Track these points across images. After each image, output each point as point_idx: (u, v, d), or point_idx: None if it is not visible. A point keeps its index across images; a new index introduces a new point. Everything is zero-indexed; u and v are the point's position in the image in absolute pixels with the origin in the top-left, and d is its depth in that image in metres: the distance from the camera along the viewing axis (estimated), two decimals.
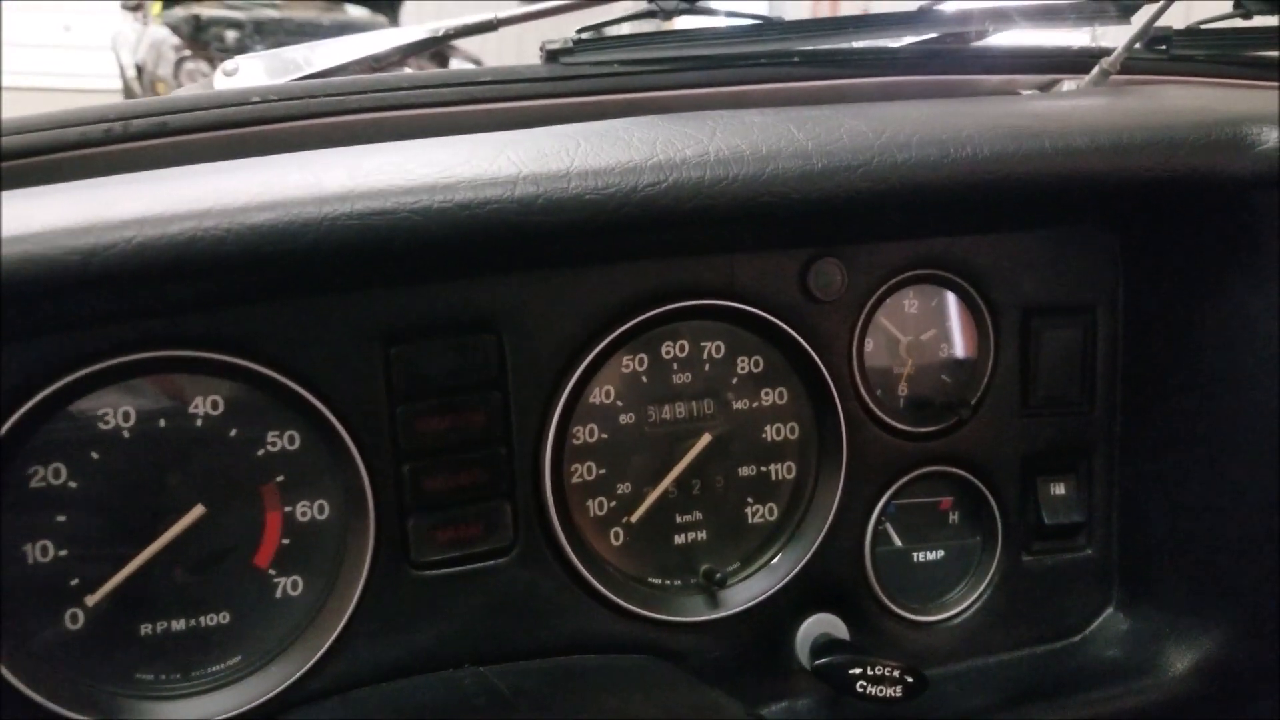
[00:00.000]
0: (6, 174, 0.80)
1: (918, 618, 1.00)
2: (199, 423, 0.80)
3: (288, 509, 0.83)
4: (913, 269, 0.96)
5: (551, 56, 1.03)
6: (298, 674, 0.81)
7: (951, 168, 0.81)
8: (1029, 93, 1.10)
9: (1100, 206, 0.99)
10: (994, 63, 1.13)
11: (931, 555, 1.01)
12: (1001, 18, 1.11)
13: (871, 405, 0.96)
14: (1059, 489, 1.03)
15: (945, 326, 1.00)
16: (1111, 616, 1.05)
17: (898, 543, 1.00)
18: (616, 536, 0.92)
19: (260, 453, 0.82)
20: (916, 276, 0.97)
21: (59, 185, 0.74)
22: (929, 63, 1.10)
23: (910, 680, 0.89)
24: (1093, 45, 1.17)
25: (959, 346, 1.00)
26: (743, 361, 0.94)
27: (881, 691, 0.88)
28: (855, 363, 0.95)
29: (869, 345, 0.97)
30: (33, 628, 0.77)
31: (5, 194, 0.73)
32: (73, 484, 0.77)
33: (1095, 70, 1.07)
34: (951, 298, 0.99)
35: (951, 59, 1.12)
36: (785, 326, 0.91)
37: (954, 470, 0.99)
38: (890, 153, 0.80)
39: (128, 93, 5.32)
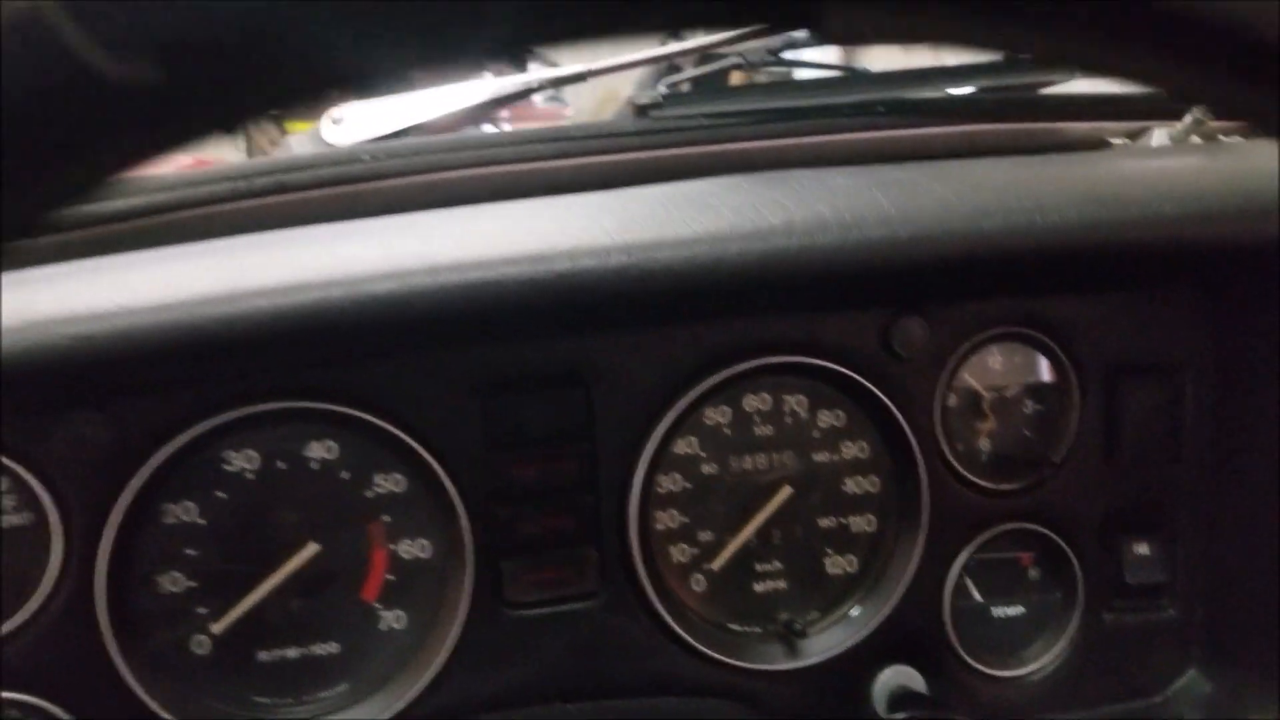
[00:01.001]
0: (142, 230, 0.88)
1: (996, 672, 1.01)
2: (314, 466, 0.87)
3: (393, 546, 0.89)
4: (997, 326, 0.97)
5: (640, 111, 1.07)
6: (401, 705, 0.87)
7: (1038, 235, 0.82)
8: (1118, 143, 1.10)
9: (1192, 269, 0.99)
10: (1081, 110, 1.13)
11: (1011, 611, 1.02)
12: None
13: (953, 461, 0.97)
14: (1142, 548, 1.02)
15: (1029, 383, 1.00)
16: (1193, 678, 1.04)
17: (977, 597, 1.01)
18: (698, 583, 0.96)
19: (369, 494, 0.88)
20: (1001, 334, 0.98)
21: (195, 246, 0.81)
22: (1014, 110, 1.11)
23: None
24: None
25: (1043, 403, 1.01)
26: (824, 415, 0.97)
27: None
28: (937, 418, 0.96)
29: (951, 400, 0.98)
30: (164, 653, 0.85)
31: (146, 254, 0.81)
32: (201, 521, 0.85)
33: (1188, 119, 1.07)
34: (1036, 354, 1.00)
35: (1036, 106, 1.12)
36: (866, 383, 0.94)
37: (1035, 527, 1.00)
38: (976, 220, 0.82)
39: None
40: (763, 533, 0.96)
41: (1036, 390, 1.01)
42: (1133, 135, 1.11)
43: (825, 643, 0.96)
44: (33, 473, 0.79)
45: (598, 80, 1.16)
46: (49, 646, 0.81)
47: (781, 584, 0.97)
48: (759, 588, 0.97)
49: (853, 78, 1.14)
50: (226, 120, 0.30)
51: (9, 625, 0.80)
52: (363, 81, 0.29)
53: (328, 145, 1.02)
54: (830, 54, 1.92)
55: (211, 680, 0.86)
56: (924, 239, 0.80)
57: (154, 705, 0.81)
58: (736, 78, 1.39)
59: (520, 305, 0.77)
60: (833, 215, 0.81)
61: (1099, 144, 1.10)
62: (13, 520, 0.81)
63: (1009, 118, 1.10)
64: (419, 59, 0.28)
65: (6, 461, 0.79)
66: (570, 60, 1.20)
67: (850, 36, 0.30)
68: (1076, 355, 1.00)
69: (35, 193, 0.29)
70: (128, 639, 0.82)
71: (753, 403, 0.95)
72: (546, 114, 2.49)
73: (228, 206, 0.92)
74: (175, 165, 1.09)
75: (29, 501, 0.81)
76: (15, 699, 0.81)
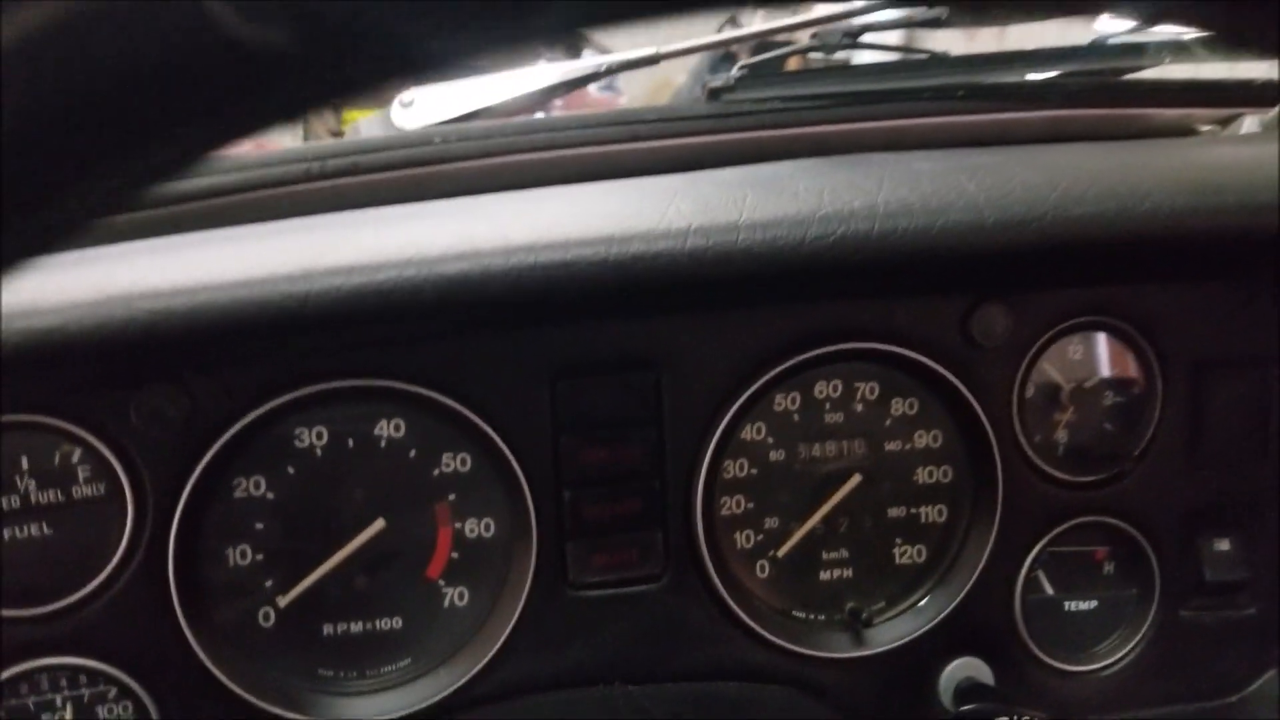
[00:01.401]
0: (216, 210, 0.88)
1: (1066, 667, 0.99)
2: (383, 444, 0.86)
3: (458, 525, 0.89)
4: (1080, 316, 0.94)
5: (714, 94, 1.05)
6: (463, 680, 0.87)
7: (1129, 223, 0.79)
8: (1208, 129, 1.06)
9: None
10: (1170, 96, 1.08)
11: (1084, 605, 1.00)
12: (1181, 50, 1.07)
13: (1029, 452, 0.95)
14: (1223, 545, 0.99)
15: (1111, 375, 0.97)
16: (1273, 678, 1.01)
17: (1049, 591, 0.99)
18: (763, 569, 0.94)
19: (435, 473, 0.88)
20: (1084, 324, 0.95)
21: (269, 225, 0.81)
22: (1100, 96, 1.07)
23: None
24: (1278, 78, 1.11)
25: (1125, 396, 0.97)
26: (897, 403, 0.94)
27: None
28: (1015, 409, 0.94)
29: (1029, 391, 0.95)
30: (232, 624, 0.86)
31: (222, 232, 0.81)
32: (270, 495, 0.85)
33: None
34: (1119, 346, 0.97)
35: (1122, 91, 1.08)
36: (944, 371, 0.91)
37: (1112, 521, 0.97)
38: (1065, 207, 0.79)
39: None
40: (830, 521, 0.94)
41: (1118, 382, 0.98)
42: (1223, 122, 1.07)
43: (892, 632, 0.94)
44: (107, 445, 0.80)
45: (650, 68, 1.14)
46: (119, 615, 0.82)
47: (848, 572, 0.95)
48: (825, 576, 0.95)
49: (930, 61, 1.10)
50: (326, 97, 0.29)
51: (80, 593, 0.81)
52: (441, 65, 0.28)
53: (397, 129, 1.01)
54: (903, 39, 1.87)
55: (277, 652, 0.86)
56: (1012, 225, 0.78)
57: (220, 674, 0.82)
58: (794, 64, 1.36)
59: (593, 288, 0.76)
60: (917, 200, 0.78)
61: (1188, 131, 1.06)
62: (86, 491, 0.82)
63: (1094, 103, 1.06)
64: (495, 41, 0.28)
65: (82, 434, 0.80)
66: (629, 46, 1.18)
67: None
68: (1161, 347, 0.96)
69: (157, 155, 0.28)
70: (196, 609, 0.83)
71: (824, 390, 0.93)
72: (601, 102, 2.47)
73: (301, 187, 0.91)
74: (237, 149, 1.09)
75: (103, 473, 0.82)
76: (85, 665, 0.82)
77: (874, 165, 0.84)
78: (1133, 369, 0.98)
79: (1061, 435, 0.97)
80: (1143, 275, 0.94)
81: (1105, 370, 0.98)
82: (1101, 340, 0.97)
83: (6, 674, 0.81)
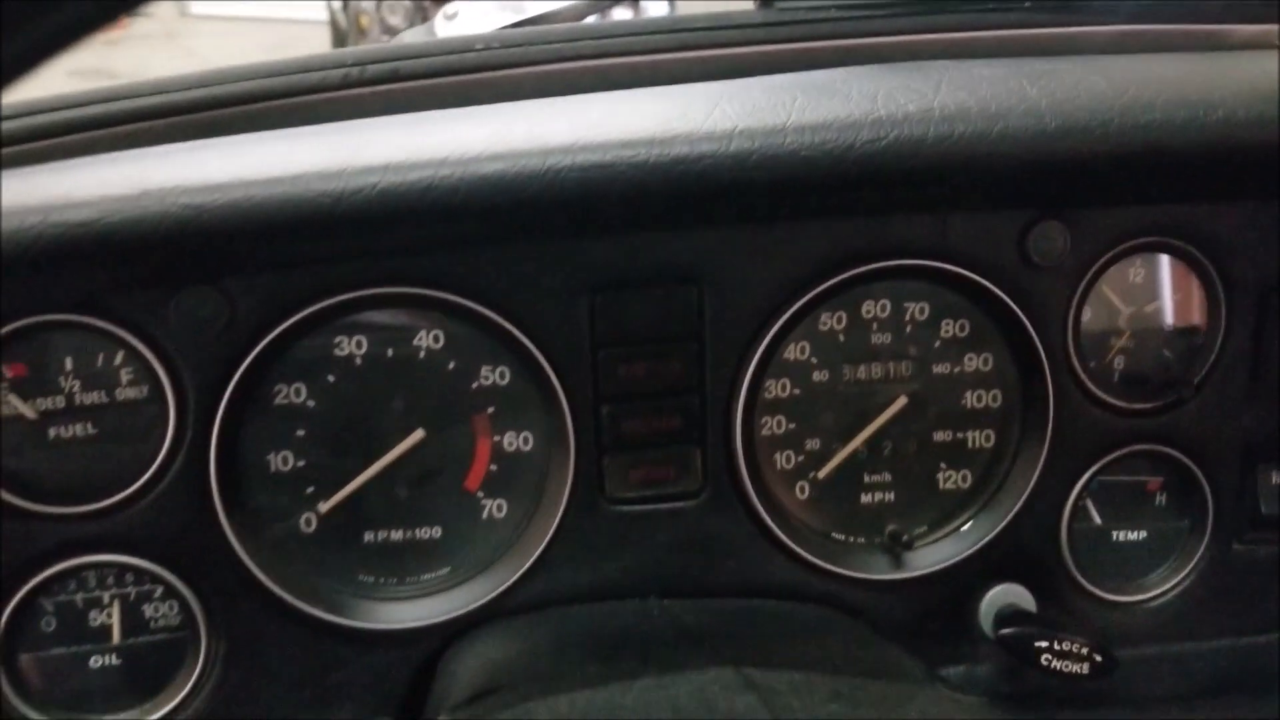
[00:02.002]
0: (255, 114, 0.87)
1: (1112, 597, 0.97)
2: (422, 354, 0.86)
3: (496, 438, 0.89)
4: (1143, 236, 0.91)
5: (766, 0, 1.01)
6: (499, 589, 0.88)
7: (1200, 133, 0.75)
8: None
9: None
10: (1251, 11, 1.03)
11: (1133, 535, 0.97)
12: None
13: (1084, 378, 0.92)
14: None
15: (1173, 299, 0.94)
16: None
17: (1097, 520, 0.97)
18: (802, 490, 0.93)
19: (474, 385, 0.87)
20: (1146, 245, 0.91)
21: (304, 129, 0.80)
22: (1176, 10, 1.02)
23: (1099, 659, 0.86)
24: None
25: (1186, 322, 0.94)
26: (947, 325, 0.92)
27: (1067, 667, 0.86)
28: (1070, 332, 0.91)
29: (1086, 314, 0.92)
30: (274, 528, 0.87)
31: (258, 134, 0.80)
32: (311, 403, 0.85)
33: None
34: (1183, 269, 0.93)
35: (1201, 6, 1.03)
36: (999, 291, 0.88)
37: (1167, 450, 0.95)
38: (1133, 114, 0.75)
39: (334, 25, 5.54)
40: (873, 444, 0.93)
41: (1180, 307, 0.94)
42: None
43: (932, 556, 0.93)
44: (148, 347, 0.81)
45: None
46: (163, 515, 0.83)
47: (890, 496, 0.94)
48: (866, 499, 0.94)
49: None
50: None
51: (124, 492, 0.82)
52: None
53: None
54: None
55: (318, 556, 0.87)
56: (1074, 131, 0.74)
57: (261, 576, 0.84)
58: None
59: (633, 193, 0.74)
60: (975, 103, 0.75)
61: (1267, 47, 1.00)
62: (129, 393, 0.83)
63: (1167, 17, 1.00)
64: None
65: (123, 334, 0.80)
66: None
67: None
68: (1228, 271, 0.92)
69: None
70: (238, 512, 0.84)
71: (871, 309, 0.91)
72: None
73: (340, 93, 0.90)
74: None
75: (145, 375, 0.82)
76: (131, 563, 0.84)
77: (932, 70, 0.80)
78: (1196, 294, 0.94)
79: (1118, 361, 0.94)
80: (1211, 194, 0.90)
81: (1167, 295, 0.94)
82: (1164, 263, 0.93)
83: (54, 570, 0.83)
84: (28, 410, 0.82)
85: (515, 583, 0.88)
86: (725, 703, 0.57)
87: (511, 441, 0.89)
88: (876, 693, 0.61)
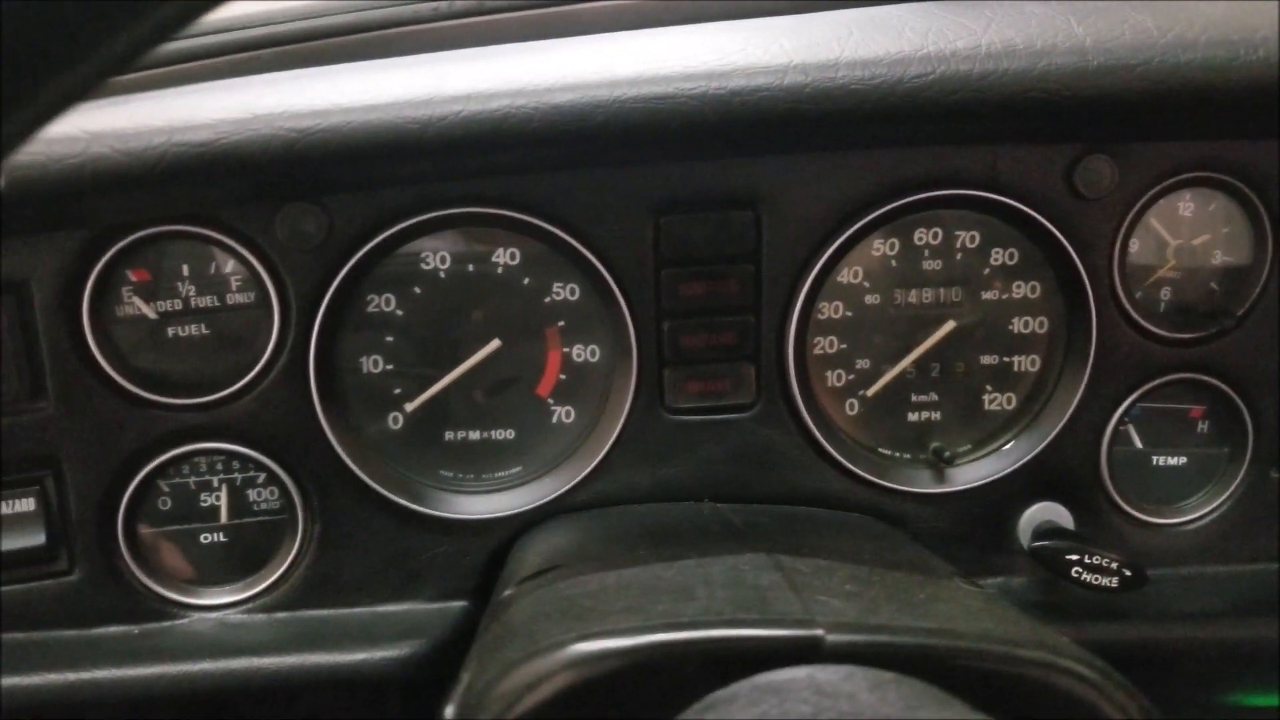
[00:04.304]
0: (352, 46, 0.95)
1: (1149, 519, 1.01)
2: (499, 270, 0.93)
3: (566, 349, 0.96)
4: (1190, 171, 0.93)
5: None
6: (566, 487, 0.96)
7: (1241, 70, 0.77)
8: None
9: None
10: None
11: (1172, 460, 1.01)
12: None
13: (1128, 307, 0.95)
14: None
15: (1220, 232, 0.96)
16: None
17: (1138, 444, 1.00)
18: (852, 407, 0.99)
19: (547, 300, 0.95)
20: (1193, 179, 0.93)
21: (396, 59, 0.87)
22: None
23: (1128, 573, 0.90)
24: None
25: (1232, 254, 0.96)
26: (997, 253, 0.96)
27: (1097, 580, 0.91)
28: (1116, 264, 0.94)
29: (1134, 246, 0.95)
30: (365, 425, 0.96)
31: (357, 65, 0.87)
32: (399, 312, 0.94)
33: None
34: (1231, 204, 0.95)
35: None
36: (1046, 222, 0.92)
37: (1209, 379, 0.98)
38: (1174, 53, 0.77)
39: None
40: (921, 365, 0.97)
41: (1227, 240, 0.96)
42: None
43: (974, 472, 0.98)
44: (256, 256, 0.90)
45: None
46: (267, 410, 0.93)
47: (936, 415, 0.99)
48: (913, 417, 0.99)
49: None
50: None
51: (233, 387, 0.92)
52: None
53: None
54: None
55: (403, 452, 0.97)
56: (1116, 69, 0.77)
57: (354, 467, 0.93)
58: None
59: (694, 122, 0.79)
60: (1022, 40, 0.78)
61: None
62: (238, 299, 0.92)
63: None
64: None
65: (234, 245, 0.89)
66: None
67: None
68: (1274, 206, 0.94)
69: None
70: (333, 408, 0.93)
71: (923, 236, 0.95)
72: None
73: (430, 26, 0.97)
74: None
75: (252, 283, 0.91)
76: (238, 451, 0.94)
77: (983, 9, 0.83)
78: (1242, 228, 0.96)
79: (1164, 292, 0.97)
80: (1254, 131, 0.91)
81: (1214, 228, 0.96)
82: (1212, 197, 0.95)
83: (170, 454, 0.94)
84: (149, 311, 0.92)
85: (580, 482, 0.96)
86: (752, 577, 0.64)
87: (580, 353, 0.96)
88: (896, 581, 0.67)
